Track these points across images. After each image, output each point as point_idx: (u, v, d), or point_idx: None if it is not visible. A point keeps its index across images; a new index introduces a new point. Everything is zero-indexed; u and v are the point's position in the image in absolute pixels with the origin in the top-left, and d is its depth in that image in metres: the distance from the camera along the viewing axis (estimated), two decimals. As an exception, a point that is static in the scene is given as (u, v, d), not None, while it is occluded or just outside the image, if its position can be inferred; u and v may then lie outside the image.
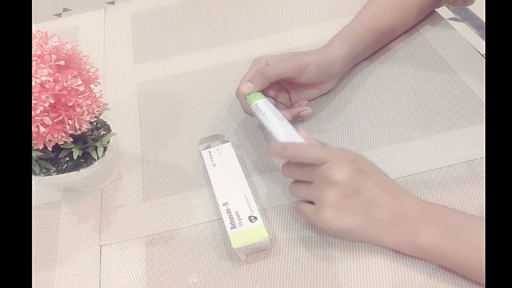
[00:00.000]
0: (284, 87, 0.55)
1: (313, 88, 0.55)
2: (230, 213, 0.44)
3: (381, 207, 0.39)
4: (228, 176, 0.47)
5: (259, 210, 0.44)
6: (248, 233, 0.42)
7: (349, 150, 0.44)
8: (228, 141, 0.51)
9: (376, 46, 0.61)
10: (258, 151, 0.53)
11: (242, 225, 0.42)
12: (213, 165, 0.49)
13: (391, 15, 0.59)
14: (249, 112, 0.51)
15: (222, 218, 0.44)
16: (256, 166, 0.52)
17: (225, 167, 0.48)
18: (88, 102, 0.42)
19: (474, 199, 0.45)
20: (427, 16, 0.65)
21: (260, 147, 0.54)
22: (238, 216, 0.43)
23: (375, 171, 0.42)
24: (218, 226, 0.47)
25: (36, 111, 0.38)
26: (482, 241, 0.35)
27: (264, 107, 0.47)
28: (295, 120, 0.54)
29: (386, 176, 0.42)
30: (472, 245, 0.37)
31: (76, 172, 0.46)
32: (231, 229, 0.42)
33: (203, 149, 0.51)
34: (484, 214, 0.43)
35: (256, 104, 0.48)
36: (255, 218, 0.43)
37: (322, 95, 0.57)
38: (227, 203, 0.45)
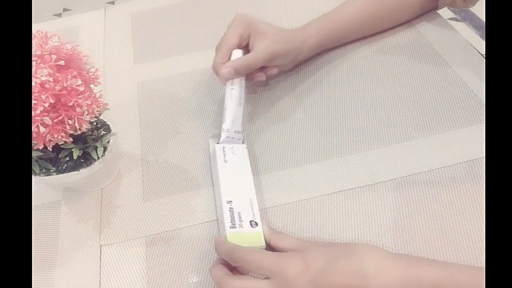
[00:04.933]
0: None
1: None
2: (233, 212, 0.43)
3: None
4: (238, 176, 0.47)
5: (259, 210, 0.44)
6: (246, 236, 0.41)
7: (298, 249, 0.39)
8: (244, 144, 0.51)
9: (349, 38, 0.63)
10: (258, 151, 0.53)
11: (242, 227, 0.42)
12: (225, 161, 0.48)
13: (373, 11, 0.61)
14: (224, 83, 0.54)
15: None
16: (256, 165, 0.52)
17: (237, 167, 0.48)
18: (88, 102, 0.42)
19: (474, 199, 0.45)
20: (427, 16, 0.65)
21: (261, 147, 0.54)
22: (240, 217, 0.43)
23: (334, 264, 0.36)
24: (218, 226, 0.47)
25: (36, 111, 0.38)
26: None
27: (227, 91, 0.52)
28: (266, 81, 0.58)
29: (349, 261, 0.36)
30: None
31: (76, 172, 0.46)
32: (230, 228, 0.42)
33: (217, 143, 0.51)
34: (484, 214, 0.43)
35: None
36: (256, 224, 0.42)
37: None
38: (231, 201, 0.44)
